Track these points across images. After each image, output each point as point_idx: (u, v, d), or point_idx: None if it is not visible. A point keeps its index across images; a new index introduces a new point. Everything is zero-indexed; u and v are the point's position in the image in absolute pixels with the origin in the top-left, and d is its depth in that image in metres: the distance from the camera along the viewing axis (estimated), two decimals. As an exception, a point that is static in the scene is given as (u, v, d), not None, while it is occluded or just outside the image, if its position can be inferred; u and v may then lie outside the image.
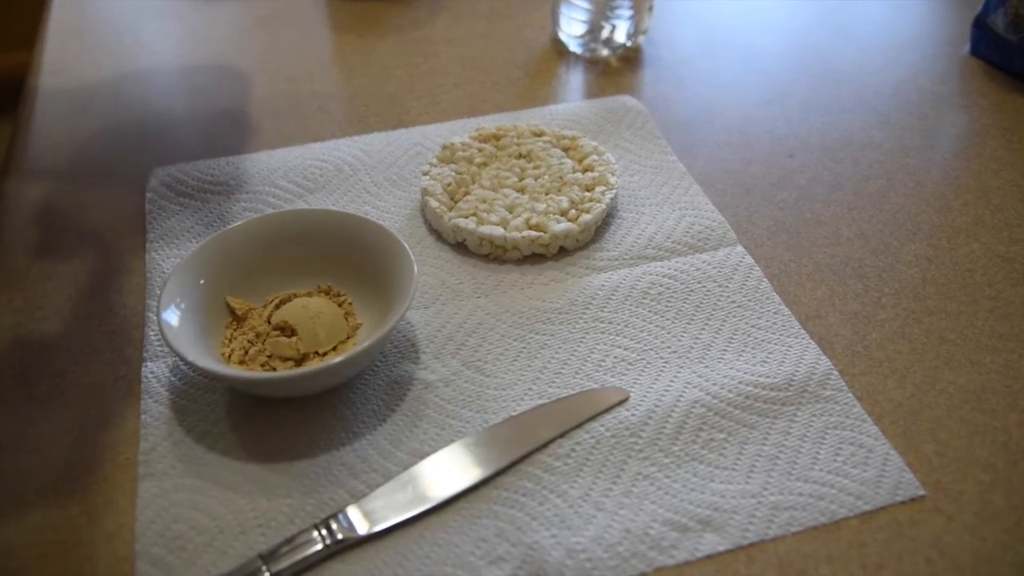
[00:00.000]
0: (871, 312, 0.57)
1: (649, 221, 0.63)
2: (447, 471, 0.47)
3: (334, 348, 0.52)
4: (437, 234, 0.62)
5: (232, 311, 0.54)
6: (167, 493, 0.46)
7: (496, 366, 0.53)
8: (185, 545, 0.44)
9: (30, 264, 0.60)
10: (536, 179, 0.63)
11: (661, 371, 0.52)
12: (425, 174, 0.64)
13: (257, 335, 0.52)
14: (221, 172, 0.68)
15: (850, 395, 0.51)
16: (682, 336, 0.55)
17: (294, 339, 0.51)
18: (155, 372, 0.52)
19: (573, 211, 0.61)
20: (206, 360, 0.48)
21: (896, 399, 0.51)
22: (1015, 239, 0.62)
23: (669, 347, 0.54)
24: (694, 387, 0.51)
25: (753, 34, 0.86)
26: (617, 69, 0.80)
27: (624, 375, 0.52)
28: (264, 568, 0.42)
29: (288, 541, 0.43)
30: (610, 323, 0.55)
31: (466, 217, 0.60)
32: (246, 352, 0.51)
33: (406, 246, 0.53)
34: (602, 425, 0.49)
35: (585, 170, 0.64)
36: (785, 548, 0.44)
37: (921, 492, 0.46)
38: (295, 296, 0.54)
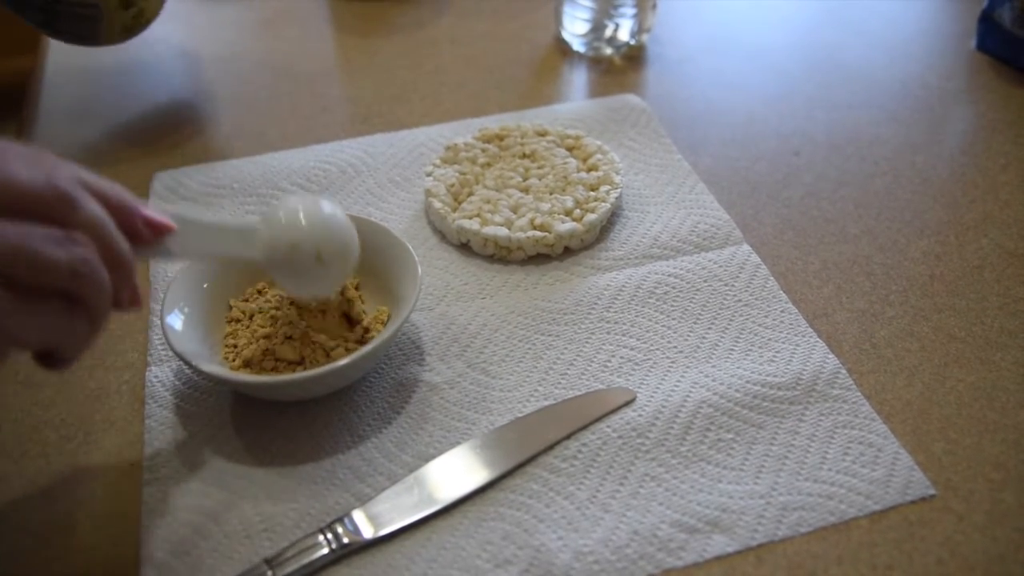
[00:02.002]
0: (879, 310, 0.56)
1: (654, 220, 0.62)
2: (453, 474, 0.46)
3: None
4: (441, 235, 0.62)
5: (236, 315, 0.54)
6: (172, 498, 0.46)
7: (501, 367, 0.53)
8: (190, 550, 0.44)
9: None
10: (540, 179, 0.63)
11: (668, 371, 0.52)
12: (429, 175, 0.64)
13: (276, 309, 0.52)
14: (224, 175, 0.67)
15: (858, 394, 0.50)
16: (688, 336, 0.54)
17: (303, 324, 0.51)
18: (159, 377, 0.52)
19: (578, 211, 0.60)
20: (210, 364, 0.48)
21: (905, 398, 0.51)
22: (1024, 235, 0.61)
23: (675, 347, 0.53)
24: (701, 387, 0.51)
25: (758, 31, 0.86)
26: (621, 68, 0.80)
27: (630, 375, 0.52)
28: (270, 573, 0.42)
29: (293, 545, 0.43)
30: (616, 323, 0.55)
31: (470, 218, 0.60)
32: (256, 333, 0.51)
33: (410, 248, 0.53)
34: (608, 426, 0.49)
35: (589, 169, 0.64)
36: (794, 549, 0.44)
37: (931, 491, 0.46)
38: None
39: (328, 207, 0.48)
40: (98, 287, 0.37)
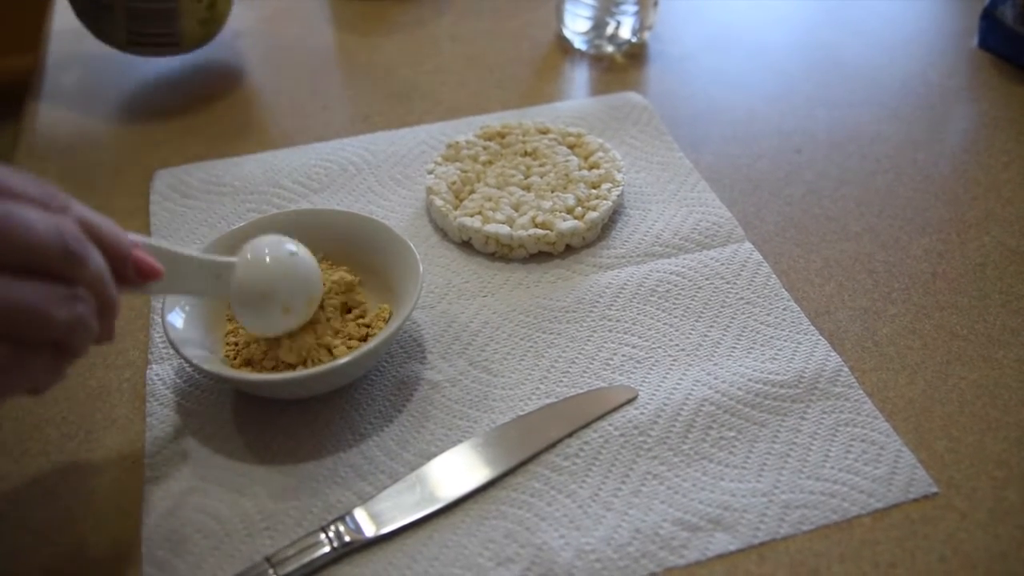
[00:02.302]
0: (881, 308, 0.56)
1: (656, 218, 0.62)
2: (455, 472, 0.46)
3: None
4: (443, 233, 0.62)
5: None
6: (173, 496, 0.46)
7: (503, 365, 0.52)
8: (191, 548, 0.44)
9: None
10: (542, 177, 0.63)
11: (670, 369, 0.52)
12: (430, 173, 0.64)
13: None
14: (225, 173, 0.67)
15: (860, 392, 0.50)
16: (690, 334, 0.54)
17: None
18: (160, 375, 0.52)
19: (579, 209, 0.60)
20: (211, 362, 0.48)
21: (907, 395, 0.51)
22: (1026, 232, 0.61)
23: (677, 345, 0.53)
24: (703, 385, 0.51)
25: (759, 29, 0.85)
26: (622, 65, 0.80)
27: (632, 373, 0.52)
28: (271, 571, 0.42)
29: (295, 544, 0.43)
30: (618, 321, 0.55)
31: (472, 215, 0.60)
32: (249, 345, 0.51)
33: (412, 245, 0.53)
34: (611, 424, 0.49)
35: (591, 167, 0.64)
36: (797, 547, 0.44)
37: (934, 489, 0.46)
38: None
39: (298, 255, 0.49)
40: (88, 338, 0.39)
